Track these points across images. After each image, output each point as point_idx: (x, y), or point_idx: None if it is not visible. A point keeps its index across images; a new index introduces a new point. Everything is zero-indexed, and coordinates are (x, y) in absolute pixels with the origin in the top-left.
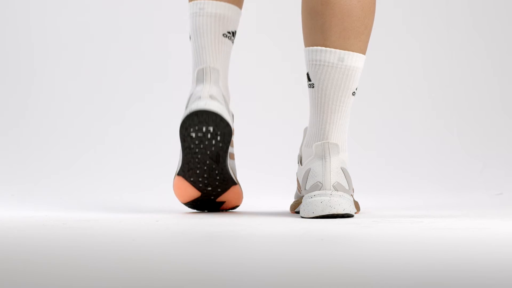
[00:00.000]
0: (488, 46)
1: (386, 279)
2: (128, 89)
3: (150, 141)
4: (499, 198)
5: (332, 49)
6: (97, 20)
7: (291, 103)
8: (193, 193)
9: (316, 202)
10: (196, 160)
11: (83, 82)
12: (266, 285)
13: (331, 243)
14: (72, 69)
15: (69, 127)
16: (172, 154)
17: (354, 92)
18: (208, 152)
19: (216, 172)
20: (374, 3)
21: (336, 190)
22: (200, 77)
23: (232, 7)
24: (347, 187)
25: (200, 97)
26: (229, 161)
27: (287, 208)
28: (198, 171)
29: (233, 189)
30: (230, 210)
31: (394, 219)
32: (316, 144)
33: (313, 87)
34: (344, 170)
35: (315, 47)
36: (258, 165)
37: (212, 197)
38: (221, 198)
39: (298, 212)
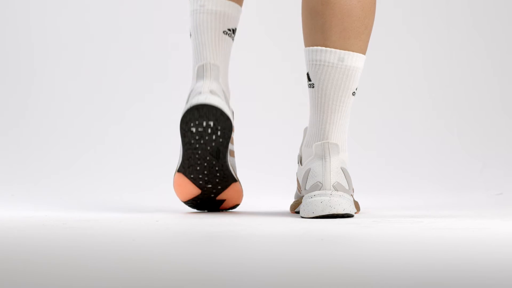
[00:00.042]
0: (488, 46)
1: (386, 279)
2: (128, 89)
3: (150, 141)
4: (498, 198)
5: (332, 49)
6: (97, 20)
7: (291, 103)
8: (193, 190)
9: (316, 202)
10: (197, 156)
11: (83, 82)
12: (266, 285)
13: (331, 243)
14: (72, 69)
15: (69, 127)
16: (172, 154)
17: (354, 92)
18: (209, 148)
19: (217, 168)
20: (374, 3)
21: (336, 190)
22: (201, 73)
23: (232, 5)
24: (347, 187)
25: (200, 92)
26: (229, 158)
27: (287, 208)
28: (198, 168)
29: (233, 186)
30: (230, 210)
31: (394, 219)
32: (316, 144)
33: (313, 87)
34: (344, 170)
35: (315, 47)
36: (258, 165)
37: (212, 195)
38: (221, 196)
39: (298, 212)
